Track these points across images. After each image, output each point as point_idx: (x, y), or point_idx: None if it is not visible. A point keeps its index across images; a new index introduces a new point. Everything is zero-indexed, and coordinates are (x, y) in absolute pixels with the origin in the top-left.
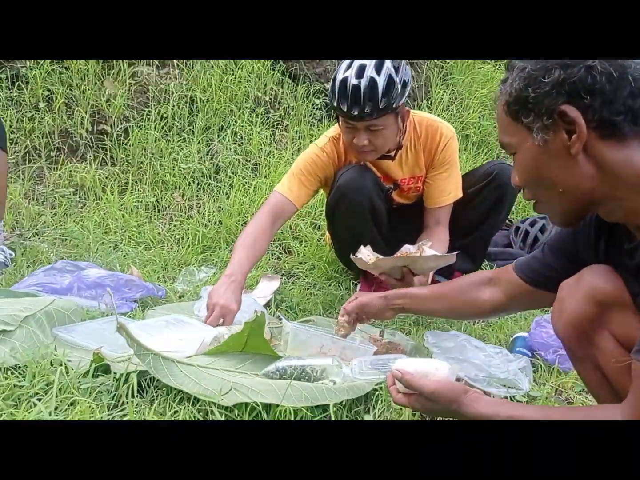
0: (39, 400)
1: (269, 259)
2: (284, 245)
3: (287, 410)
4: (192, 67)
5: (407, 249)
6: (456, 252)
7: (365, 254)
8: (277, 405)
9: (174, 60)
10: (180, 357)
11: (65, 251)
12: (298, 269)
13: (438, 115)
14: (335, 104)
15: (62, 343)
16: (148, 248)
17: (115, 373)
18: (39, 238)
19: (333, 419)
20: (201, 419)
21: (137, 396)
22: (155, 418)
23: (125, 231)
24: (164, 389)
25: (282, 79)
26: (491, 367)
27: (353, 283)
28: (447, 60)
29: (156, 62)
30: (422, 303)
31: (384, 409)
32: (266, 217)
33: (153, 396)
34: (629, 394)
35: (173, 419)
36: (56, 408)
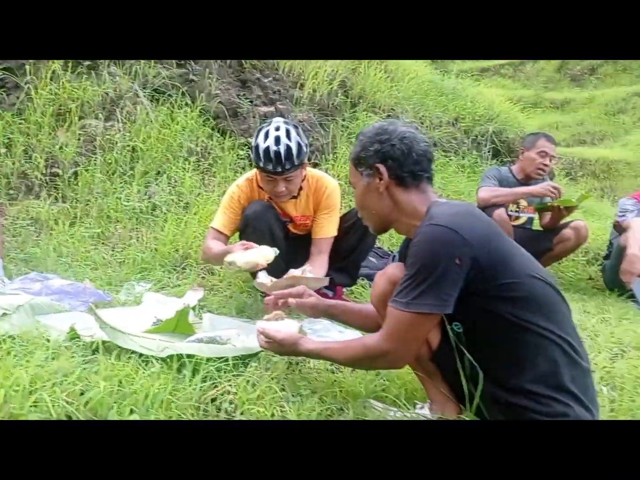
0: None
1: (195, 278)
2: (207, 268)
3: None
4: (135, 121)
5: (293, 272)
6: (329, 277)
7: (263, 278)
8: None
9: (118, 115)
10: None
11: (28, 270)
12: (218, 285)
13: (341, 167)
14: (261, 165)
15: (43, 325)
16: (95, 269)
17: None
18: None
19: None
20: (144, 367)
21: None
22: (118, 365)
23: (75, 255)
24: (119, 349)
25: (212, 133)
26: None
27: (261, 295)
28: (353, 121)
29: (102, 116)
30: (351, 317)
31: None
32: (211, 244)
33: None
34: (384, 325)
35: (126, 365)
36: (45, 358)
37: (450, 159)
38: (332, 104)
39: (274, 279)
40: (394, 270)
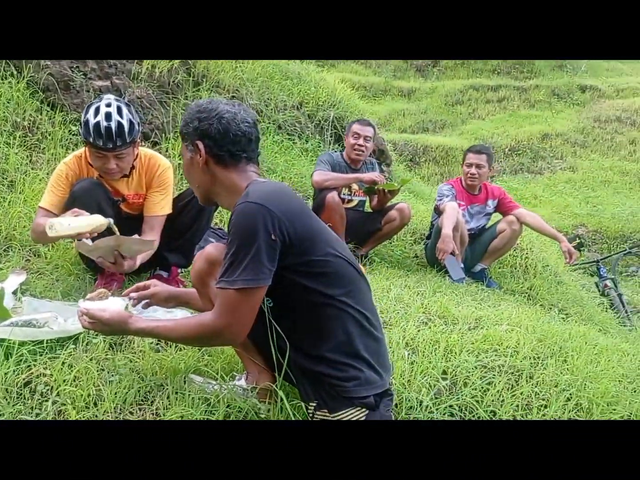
0: None
1: (19, 261)
2: (34, 249)
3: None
4: None
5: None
6: (153, 240)
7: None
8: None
9: None
10: None
11: None
12: (44, 268)
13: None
14: (91, 141)
15: None
16: None
17: None
18: None
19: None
20: None
21: None
22: None
23: None
24: None
25: (41, 107)
26: None
27: (91, 278)
28: (196, 100)
29: None
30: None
31: None
32: (41, 221)
33: None
34: (215, 304)
35: None
36: None
37: (294, 142)
38: (173, 81)
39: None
40: (211, 249)
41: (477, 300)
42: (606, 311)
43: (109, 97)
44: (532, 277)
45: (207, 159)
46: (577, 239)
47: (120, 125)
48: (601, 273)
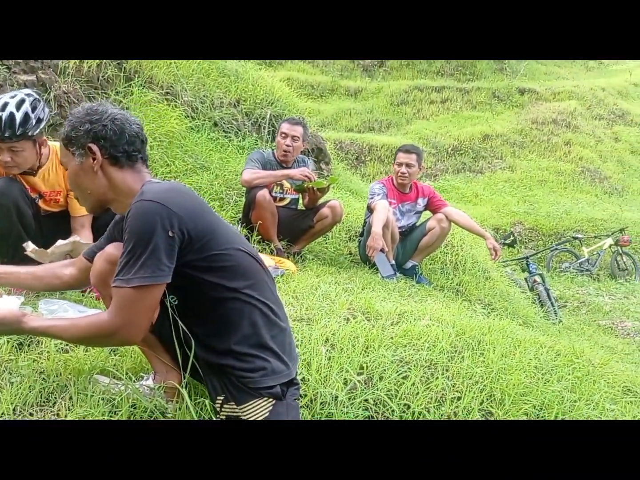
0: None
1: None
2: None
3: None
4: None
5: (61, 242)
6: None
7: (31, 245)
8: None
9: None
10: None
11: None
12: None
13: None
14: None
15: None
16: None
17: None
18: None
19: None
20: None
21: None
22: None
23: None
24: None
25: None
26: None
27: None
28: (127, 96)
29: None
30: (19, 279)
31: None
32: None
33: None
34: (112, 303)
35: None
36: None
37: (230, 140)
38: (103, 76)
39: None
40: (111, 250)
41: (404, 296)
42: (534, 306)
43: (23, 91)
44: (461, 274)
45: (102, 161)
46: (512, 236)
47: (11, 116)
48: (530, 269)
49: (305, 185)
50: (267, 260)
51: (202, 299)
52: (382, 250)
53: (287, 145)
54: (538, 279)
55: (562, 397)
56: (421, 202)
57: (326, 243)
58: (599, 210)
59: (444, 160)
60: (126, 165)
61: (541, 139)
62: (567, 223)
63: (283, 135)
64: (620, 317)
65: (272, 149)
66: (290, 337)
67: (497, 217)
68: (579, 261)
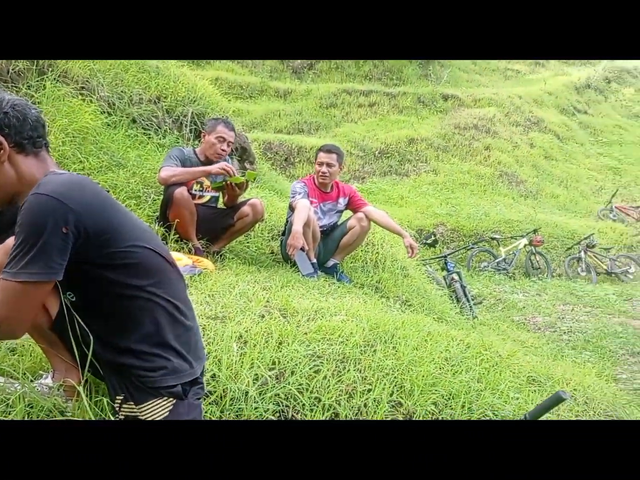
0: None
1: None
2: None
3: None
4: None
5: None
6: None
7: None
8: None
9: None
10: None
11: None
12: None
13: None
14: None
15: None
16: None
17: None
18: None
19: None
20: None
21: None
22: None
23: None
24: None
25: None
26: None
27: None
28: (40, 90)
29: None
30: None
31: None
32: None
33: None
34: None
35: None
36: None
37: (149, 137)
38: (14, 69)
39: None
40: (11, 242)
41: (323, 294)
42: (451, 302)
43: None
44: (381, 271)
45: (9, 151)
46: (433, 236)
47: None
48: (448, 267)
49: (223, 182)
50: (184, 259)
51: (103, 297)
52: (302, 249)
53: (223, 150)
54: (455, 276)
55: (469, 387)
56: (342, 202)
57: (248, 242)
58: (515, 212)
59: (371, 163)
60: (31, 153)
61: (463, 143)
62: (486, 224)
63: (220, 139)
64: (533, 313)
65: (193, 147)
66: (196, 335)
67: (422, 219)
68: (496, 260)
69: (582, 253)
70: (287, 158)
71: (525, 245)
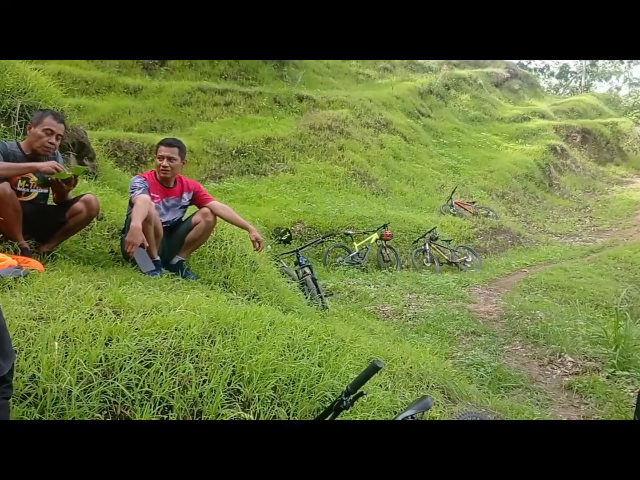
0: None
1: None
2: None
3: None
4: None
5: None
6: None
7: None
8: None
9: None
10: None
11: None
12: None
13: None
14: None
15: None
16: None
17: None
18: None
19: None
20: None
21: None
22: None
23: None
24: None
25: None
26: None
27: None
28: None
29: None
30: None
31: None
32: None
33: None
34: None
35: None
36: None
37: None
38: None
39: None
40: None
41: (165, 290)
42: (301, 294)
43: None
44: (229, 267)
45: None
46: (287, 232)
47: None
48: (300, 261)
49: (48, 178)
50: (8, 259)
51: None
52: (142, 246)
53: (51, 143)
54: (307, 270)
55: (310, 371)
56: (186, 197)
57: (84, 241)
58: (368, 208)
59: (228, 162)
60: None
61: (318, 143)
62: (340, 221)
63: (48, 131)
64: (383, 302)
65: (18, 141)
66: (3, 333)
67: (279, 217)
68: (350, 255)
69: (427, 245)
70: (139, 157)
71: (376, 240)
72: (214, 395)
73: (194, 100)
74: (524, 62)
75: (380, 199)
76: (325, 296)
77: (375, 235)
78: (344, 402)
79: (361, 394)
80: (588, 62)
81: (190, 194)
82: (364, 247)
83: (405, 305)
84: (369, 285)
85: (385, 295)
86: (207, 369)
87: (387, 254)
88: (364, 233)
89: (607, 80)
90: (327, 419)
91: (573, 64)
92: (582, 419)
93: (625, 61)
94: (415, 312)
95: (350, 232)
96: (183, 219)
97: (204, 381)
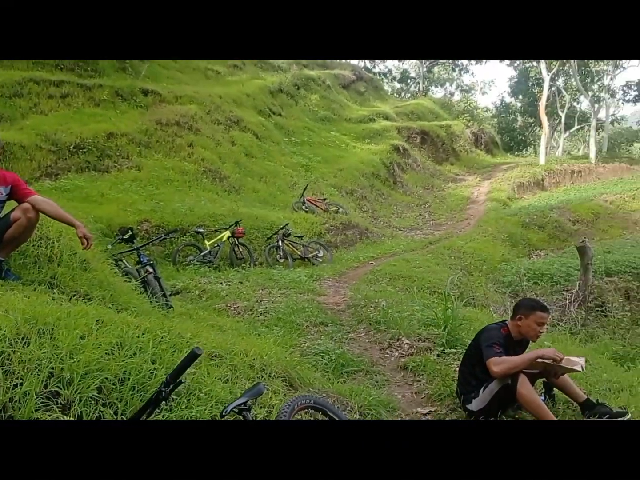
0: None
1: None
2: None
3: None
4: None
5: None
6: None
7: None
8: None
9: None
10: None
11: None
12: None
13: None
14: None
15: None
16: None
17: None
18: None
19: None
20: None
21: None
22: None
23: None
24: None
25: None
26: None
27: None
28: None
29: None
30: None
31: None
32: None
33: None
34: None
35: None
36: None
37: None
38: None
39: None
40: None
41: None
42: (140, 293)
43: None
44: (56, 266)
45: None
46: (129, 231)
47: None
48: (141, 260)
49: None
50: None
51: None
52: None
53: None
54: (149, 268)
55: (142, 368)
56: (3, 191)
57: None
58: (219, 206)
59: (65, 159)
60: None
61: (166, 139)
62: (191, 219)
63: None
64: (234, 300)
65: None
66: None
67: (124, 216)
68: (202, 254)
69: (280, 242)
70: None
71: (228, 238)
72: (25, 399)
73: (26, 91)
74: (369, 65)
75: (233, 197)
76: (170, 295)
77: (227, 233)
78: (163, 392)
79: (180, 382)
80: (425, 68)
81: (8, 187)
82: (215, 245)
83: (257, 301)
84: (221, 284)
85: (237, 293)
86: (19, 372)
87: (240, 252)
88: (216, 231)
89: (442, 86)
90: (147, 411)
91: (412, 71)
92: (567, 420)
93: (456, 69)
94: (267, 307)
95: (201, 230)
96: (1, 215)
97: (15, 385)
